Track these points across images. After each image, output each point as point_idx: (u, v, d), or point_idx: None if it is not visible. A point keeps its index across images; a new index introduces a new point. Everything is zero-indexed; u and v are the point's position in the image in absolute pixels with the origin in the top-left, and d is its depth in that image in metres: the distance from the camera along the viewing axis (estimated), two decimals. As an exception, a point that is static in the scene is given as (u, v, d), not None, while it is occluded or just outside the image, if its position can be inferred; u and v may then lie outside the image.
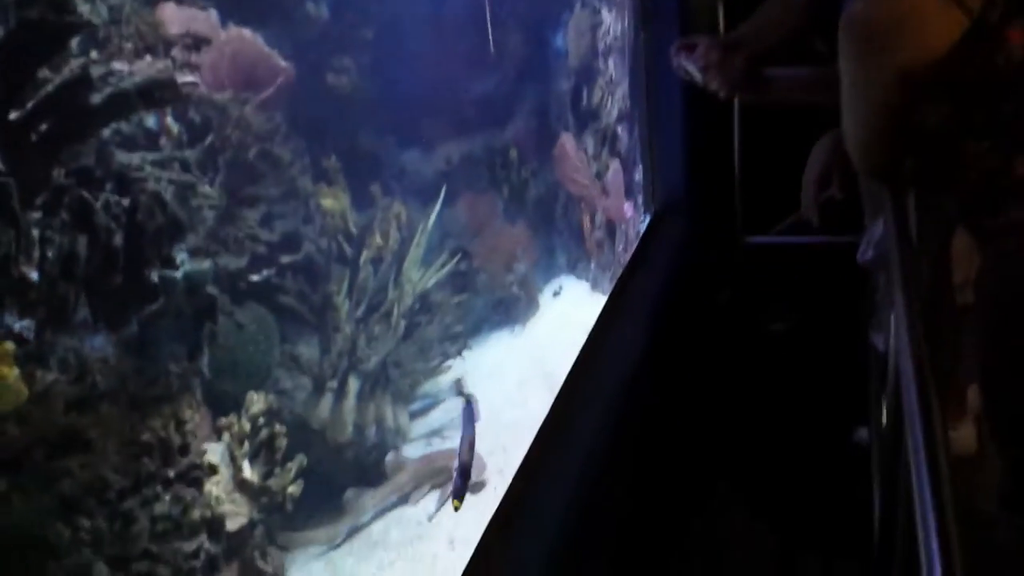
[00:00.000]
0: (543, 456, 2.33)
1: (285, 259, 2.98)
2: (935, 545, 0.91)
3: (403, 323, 3.21)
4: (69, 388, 1.94)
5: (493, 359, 3.80)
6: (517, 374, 3.64)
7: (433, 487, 3.06)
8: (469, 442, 2.30)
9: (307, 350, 2.94)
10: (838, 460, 2.88)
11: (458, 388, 3.22)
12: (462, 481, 2.20)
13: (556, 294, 4.26)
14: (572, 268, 4.38)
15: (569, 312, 4.08)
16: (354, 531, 2.94)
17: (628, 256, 3.64)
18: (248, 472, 2.15)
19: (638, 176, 4.00)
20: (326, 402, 2.88)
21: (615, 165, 3.91)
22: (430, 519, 3.01)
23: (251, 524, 2.14)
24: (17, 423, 1.87)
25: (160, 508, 1.99)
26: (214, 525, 2.05)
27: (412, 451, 3.20)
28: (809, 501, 2.79)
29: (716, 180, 3.78)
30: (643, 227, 3.89)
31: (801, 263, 3.61)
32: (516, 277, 4.02)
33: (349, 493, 2.90)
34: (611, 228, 3.99)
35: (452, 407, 3.50)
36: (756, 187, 3.71)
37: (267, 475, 2.23)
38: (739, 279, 3.76)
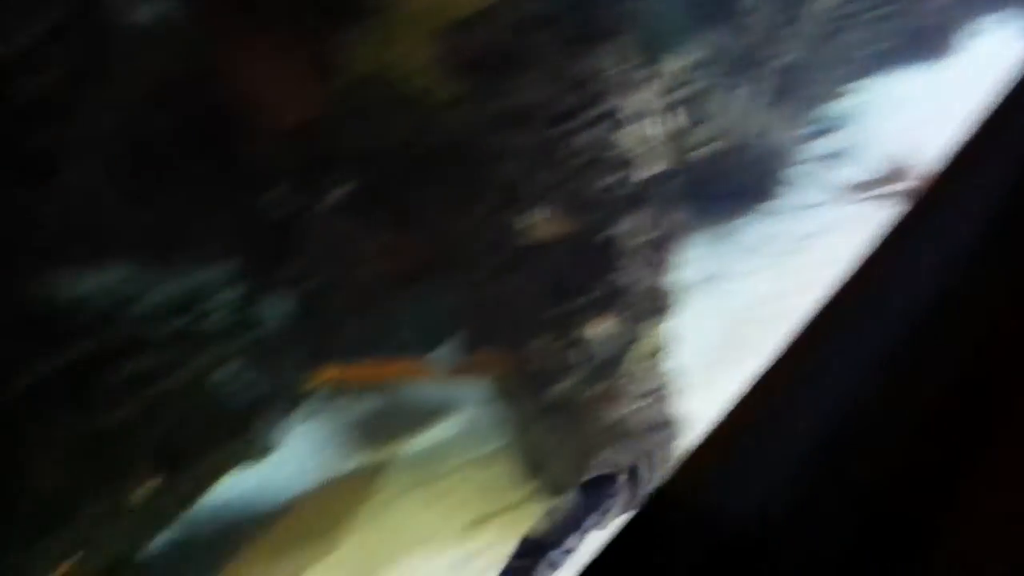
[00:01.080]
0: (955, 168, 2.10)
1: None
2: None
3: (812, 28, 2.96)
4: (510, 10, 1.99)
5: (900, 92, 3.45)
6: (924, 112, 3.28)
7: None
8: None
9: (714, 38, 2.81)
10: None
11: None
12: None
13: (977, 34, 3.71)
14: (999, 7, 3.77)
15: (990, 56, 3.55)
16: (728, 235, 2.94)
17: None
18: (664, 125, 2.12)
19: None
20: (727, 96, 2.77)
21: None
22: (807, 237, 2.91)
23: (661, 176, 2.13)
24: (466, 31, 1.97)
25: (582, 141, 2.04)
26: (628, 167, 2.07)
27: (802, 171, 3.07)
28: None
29: None
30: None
31: None
32: (936, 5, 3.54)
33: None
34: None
35: (851, 134, 3.28)
36: None
37: (680, 133, 2.20)
38: None
